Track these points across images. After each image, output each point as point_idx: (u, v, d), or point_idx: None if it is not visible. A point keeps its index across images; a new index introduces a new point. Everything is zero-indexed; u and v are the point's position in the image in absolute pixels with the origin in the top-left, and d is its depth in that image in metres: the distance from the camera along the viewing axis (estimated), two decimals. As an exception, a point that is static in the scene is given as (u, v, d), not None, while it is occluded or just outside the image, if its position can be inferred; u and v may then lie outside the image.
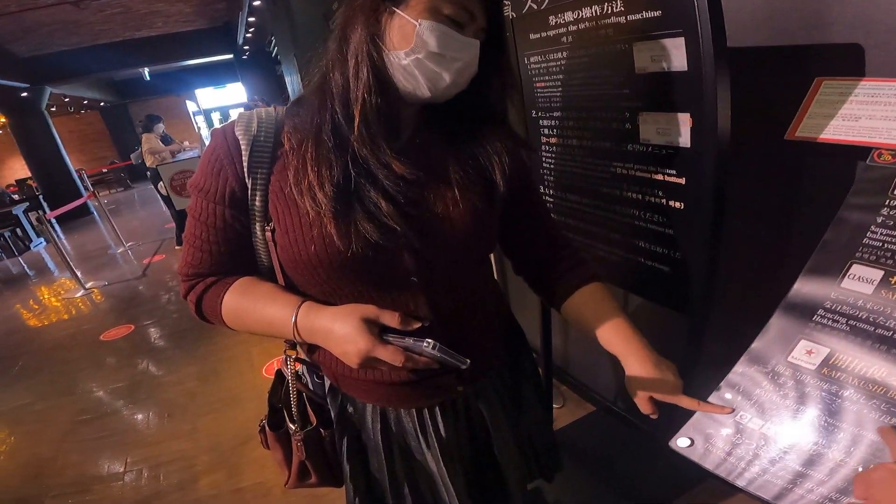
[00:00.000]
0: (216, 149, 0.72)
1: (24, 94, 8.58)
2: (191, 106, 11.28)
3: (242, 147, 0.70)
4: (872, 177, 0.80)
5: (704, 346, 1.09)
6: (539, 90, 1.34)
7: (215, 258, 0.76)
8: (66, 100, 11.66)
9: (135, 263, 5.61)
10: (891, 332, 0.68)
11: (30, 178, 9.99)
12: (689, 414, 0.77)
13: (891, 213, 0.76)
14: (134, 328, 3.79)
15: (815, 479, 0.63)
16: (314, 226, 0.68)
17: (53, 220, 7.28)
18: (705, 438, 0.74)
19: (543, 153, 1.40)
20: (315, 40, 0.78)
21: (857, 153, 0.84)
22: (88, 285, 4.91)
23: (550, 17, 1.22)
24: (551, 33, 1.23)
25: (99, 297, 4.65)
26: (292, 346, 0.83)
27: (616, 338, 0.80)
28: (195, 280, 0.78)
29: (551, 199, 1.43)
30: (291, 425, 0.85)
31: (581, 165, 1.28)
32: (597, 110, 1.17)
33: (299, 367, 0.87)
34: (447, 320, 0.77)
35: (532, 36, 1.30)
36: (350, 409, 0.85)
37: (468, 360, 0.66)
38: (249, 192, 0.71)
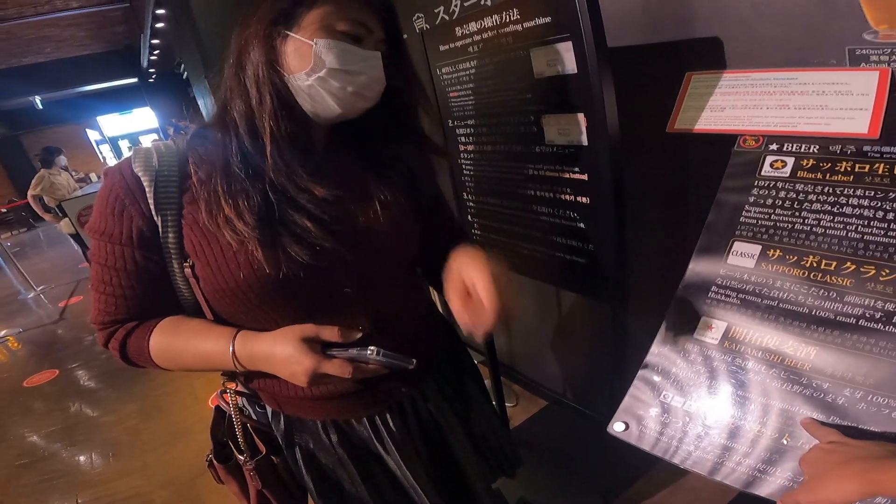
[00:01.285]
0: (113, 188, 0.67)
1: None
2: (93, 134, 10.34)
3: (145, 184, 0.66)
4: (741, 161, 0.90)
5: (631, 332, 1.15)
6: (452, 99, 1.37)
7: (131, 302, 0.71)
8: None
9: (50, 307, 5.12)
10: (776, 302, 0.76)
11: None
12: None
13: (760, 192, 0.85)
14: (59, 372, 3.51)
15: (740, 452, 0.69)
16: (239, 253, 0.66)
17: (-52, 269, 6.48)
18: (637, 421, 0.79)
19: (462, 160, 1.43)
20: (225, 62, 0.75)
21: (728, 140, 0.93)
22: (1, 334, 4.45)
23: (457, 29, 1.25)
24: (459, 44, 1.26)
25: (15, 345, 4.25)
26: (231, 377, 0.80)
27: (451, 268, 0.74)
28: (113, 327, 0.73)
29: (473, 204, 1.47)
30: (240, 456, 0.83)
31: (497, 169, 1.32)
32: (505, 115, 1.21)
33: (239, 399, 0.84)
34: (384, 326, 0.77)
35: (442, 47, 1.32)
36: (298, 431, 0.83)
37: (414, 360, 0.66)
38: (160, 230, 0.67)
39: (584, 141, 1.03)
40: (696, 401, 0.77)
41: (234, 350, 0.68)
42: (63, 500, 2.20)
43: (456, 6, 1.61)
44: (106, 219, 0.67)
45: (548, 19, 1.00)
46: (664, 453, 0.75)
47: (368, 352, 0.65)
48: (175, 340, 0.71)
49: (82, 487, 2.26)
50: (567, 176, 1.11)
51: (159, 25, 6.07)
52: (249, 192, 0.66)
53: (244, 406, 0.85)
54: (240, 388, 0.83)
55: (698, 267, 0.87)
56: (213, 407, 0.87)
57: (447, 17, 1.66)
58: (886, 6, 0.84)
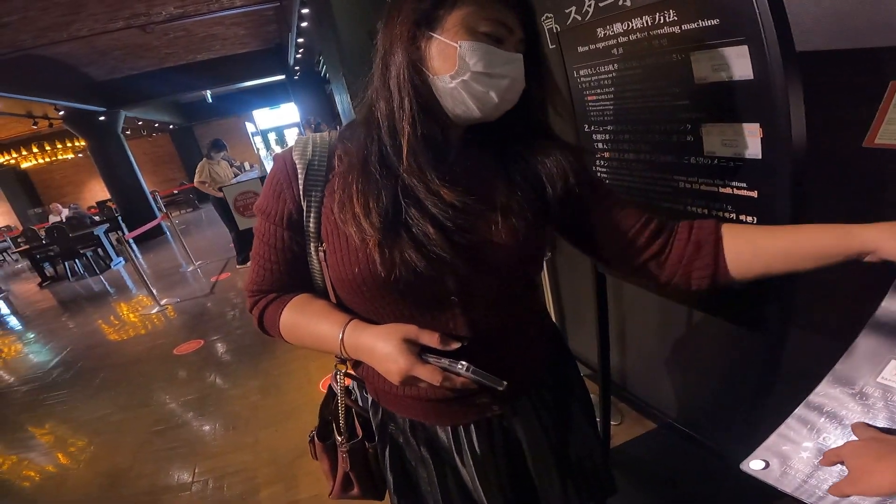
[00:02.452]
0: (277, 173, 0.77)
1: (102, 118, 9.17)
2: (249, 127, 11.83)
3: (299, 170, 0.75)
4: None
5: (784, 372, 0.99)
6: (591, 103, 1.29)
7: (276, 276, 0.81)
8: (140, 123, 12.52)
9: (203, 281, 5.92)
10: None
11: (109, 199, 10.78)
12: (763, 435, 0.71)
13: None
14: (203, 343, 4.00)
15: None
16: (359, 249, 0.70)
17: (131, 241, 7.83)
18: (782, 461, 0.69)
19: (598, 167, 1.35)
20: (362, 60, 0.78)
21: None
22: (163, 302, 5.20)
23: (598, 30, 1.18)
24: (600, 45, 1.19)
25: (172, 314, 4.93)
26: (342, 361, 0.85)
27: (818, 232, 0.69)
28: (258, 296, 0.83)
29: None
30: (338, 437, 0.88)
31: (640, 180, 1.22)
32: (654, 122, 1.11)
33: (350, 382, 0.90)
34: (486, 340, 0.77)
35: (580, 48, 1.26)
36: (391, 424, 0.87)
37: (504, 383, 0.67)
38: (304, 213, 0.75)
39: (757, 154, 0.90)
40: None
41: (342, 338, 0.74)
42: (182, 469, 2.46)
43: (590, 6, 1.51)
44: (268, 199, 0.78)
45: (715, 21, 0.89)
46: (808, 497, 0.64)
47: (460, 366, 0.67)
48: (299, 318, 0.79)
49: (201, 458, 2.53)
50: (729, 191, 0.99)
51: (304, 24, 6.69)
52: (381, 192, 0.70)
53: (353, 389, 0.91)
54: (350, 370, 0.88)
55: (894, 306, 0.71)
56: (327, 387, 0.93)
57: (579, 18, 1.56)
58: None
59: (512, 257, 0.75)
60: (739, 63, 0.86)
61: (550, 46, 1.78)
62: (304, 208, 0.75)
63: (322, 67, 9.23)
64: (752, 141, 0.90)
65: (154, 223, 7.54)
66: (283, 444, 2.47)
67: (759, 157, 0.90)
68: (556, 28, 1.70)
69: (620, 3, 1.41)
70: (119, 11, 5.60)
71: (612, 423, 2.00)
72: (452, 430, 0.83)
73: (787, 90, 0.81)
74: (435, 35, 0.68)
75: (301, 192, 0.75)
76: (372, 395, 0.88)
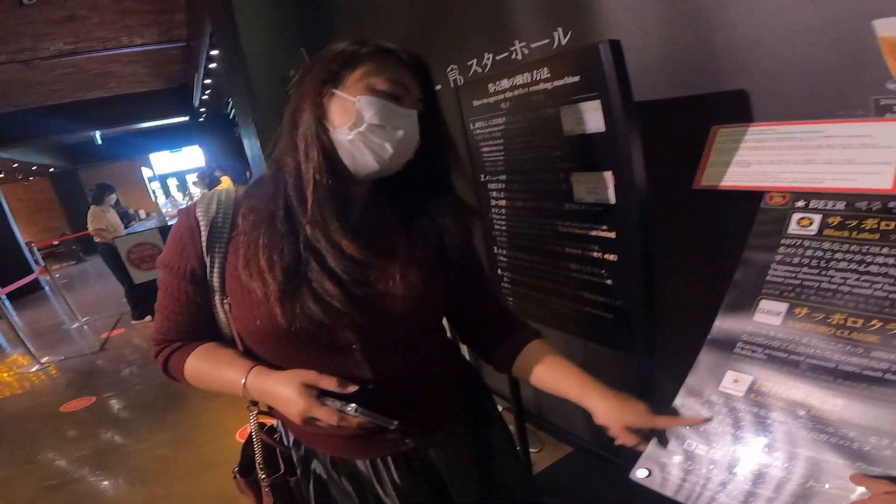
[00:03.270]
0: (180, 228, 0.82)
1: (-30, 161, 8.38)
2: (146, 172, 11.19)
3: (202, 227, 0.80)
4: (767, 218, 0.94)
5: (658, 384, 1.18)
6: (485, 154, 1.46)
7: (180, 327, 0.85)
8: (16, 165, 11.44)
9: (92, 338, 5.47)
10: (802, 357, 0.79)
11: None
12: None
13: (787, 250, 0.89)
14: (96, 400, 3.74)
15: (764, 497, 0.71)
16: (262, 303, 0.76)
17: (4, 297, 7.03)
18: (661, 468, 0.82)
19: (494, 215, 1.51)
20: (273, 105, 0.88)
21: (755, 196, 0.98)
22: (44, 360, 4.77)
23: (489, 85, 1.35)
24: (491, 100, 1.36)
25: (55, 372, 4.56)
26: (254, 402, 0.89)
27: (572, 383, 0.88)
28: (163, 345, 0.87)
29: (504, 259, 1.54)
30: (260, 473, 0.92)
31: (527, 225, 1.39)
32: (536, 172, 1.29)
33: (274, 421, 0.95)
34: (392, 383, 0.83)
35: (475, 102, 1.43)
36: (313, 460, 0.91)
37: (395, 422, 0.75)
38: (208, 269, 0.81)
39: (612, 199, 1.09)
40: (720, 448, 0.79)
41: (245, 383, 0.79)
42: (85, 523, 2.31)
43: (488, 60, 1.74)
44: (171, 254, 0.82)
45: (577, 78, 1.09)
46: (687, 499, 0.77)
47: (349, 408, 0.74)
48: (205, 366, 0.84)
49: None
50: (595, 234, 1.17)
51: (212, 66, 6.65)
52: (284, 247, 0.76)
53: (278, 426, 0.95)
54: (264, 409, 0.92)
55: (725, 324, 0.90)
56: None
57: (480, 70, 1.79)
58: None
59: (409, 310, 0.81)
60: (595, 117, 1.06)
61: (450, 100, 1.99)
62: (208, 264, 0.80)
63: (231, 110, 9.09)
64: (608, 187, 1.09)
65: (30, 278, 6.85)
66: (203, 493, 2.40)
67: (614, 202, 1.09)
68: (459, 79, 1.92)
69: (513, 57, 1.66)
70: (3, 45, 5.27)
71: (532, 450, 2.14)
72: (371, 463, 0.88)
73: (630, 141, 1.01)
74: (337, 91, 0.76)
75: (204, 249, 0.79)
76: (292, 432, 0.92)
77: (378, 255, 0.81)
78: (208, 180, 6.39)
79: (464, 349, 1.16)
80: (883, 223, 0.81)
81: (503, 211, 1.47)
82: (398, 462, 0.88)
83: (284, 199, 0.78)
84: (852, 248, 0.82)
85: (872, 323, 0.75)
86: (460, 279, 0.92)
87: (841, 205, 0.87)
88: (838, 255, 0.83)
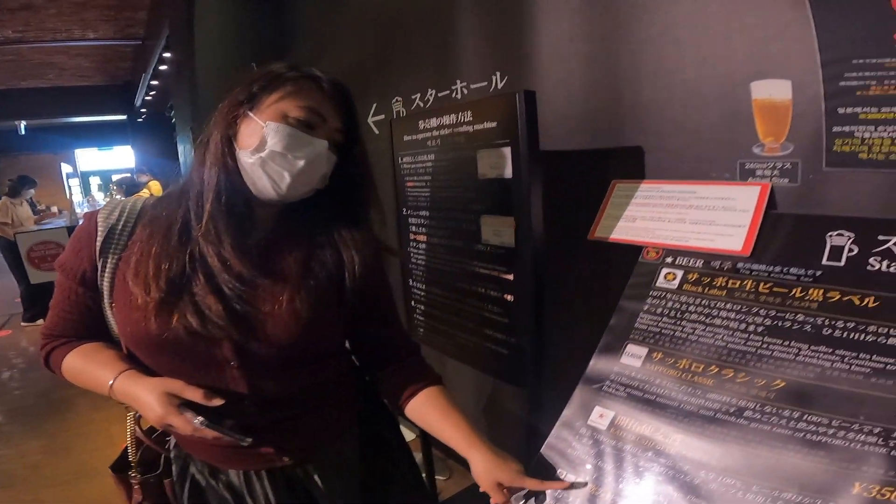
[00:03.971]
0: (81, 231, 0.84)
1: None
2: (66, 168, 10.58)
3: (99, 232, 0.82)
4: (642, 271, 1.06)
5: (544, 415, 1.25)
6: (409, 189, 1.54)
7: (68, 325, 0.87)
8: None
9: (-26, 338, 5.01)
10: (653, 397, 0.89)
11: None
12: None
13: (653, 301, 1.00)
14: None
15: None
16: (139, 310, 0.77)
17: None
18: (535, 497, 0.87)
19: (411, 249, 1.58)
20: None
21: (637, 250, 1.09)
22: None
23: (420, 122, 1.44)
24: (420, 136, 1.45)
25: (-75, 372, 4.09)
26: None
27: (458, 436, 0.88)
28: (49, 339, 0.89)
29: (417, 292, 1.60)
30: (132, 471, 0.92)
31: (441, 262, 1.47)
32: (452, 211, 1.38)
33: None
34: (271, 402, 0.84)
35: (406, 138, 1.52)
36: (192, 465, 0.91)
37: (249, 439, 0.76)
38: (99, 272, 0.82)
39: (512, 243, 1.19)
40: (582, 476, 0.87)
41: (112, 384, 0.80)
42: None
43: (431, 96, 1.86)
44: (69, 254, 0.84)
45: (493, 124, 1.20)
46: None
47: (196, 421, 0.75)
48: (82, 363, 0.85)
49: None
50: (496, 274, 1.26)
51: (162, 67, 6.54)
52: (173, 258, 0.78)
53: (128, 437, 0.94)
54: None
55: (598, 363, 1.00)
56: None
57: (422, 105, 1.90)
58: (775, 118, 1.02)
59: (291, 335, 0.81)
60: (503, 163, 1.16)
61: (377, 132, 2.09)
62: (100, 267, 0.82)
63: (172, 114, 8.89)
64: (509, 232, 1.19)
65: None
66: (73, 501, 2.28)
67: (514, 245, 1.19)
68: (402, 111, 2.03)
69: (453, 95, 1.78)
70: None
71: (440, 477, 2.18)
72: (245, 475, 0.87)
73: (531, 188, 1.11)
74: (250, 114, 0.78)
75: (98, 252, 0.81)
76: (174, 436, 0.91)
77: (268, 277, 0.82)
78: (125, 189, 6.13)
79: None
80: (730, 281, 0.94)
81: (421, 246, 1.54)
82: (274, 478, 0.88)
83: (184, 212, 0.80)
84: (703, 301, 0.94)
85: (711, 368, 0.86)
86: (361, 309, 0.92)
87: (699, 263, 1.00)
88: (691, 308, 0.95)
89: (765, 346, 0.84)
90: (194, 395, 0.76)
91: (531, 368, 1.23)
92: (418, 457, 2.00)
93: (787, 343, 0.83)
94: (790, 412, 0.76)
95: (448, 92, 1.80)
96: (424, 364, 1.01)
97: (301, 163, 0.78)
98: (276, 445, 0.84)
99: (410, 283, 1.62)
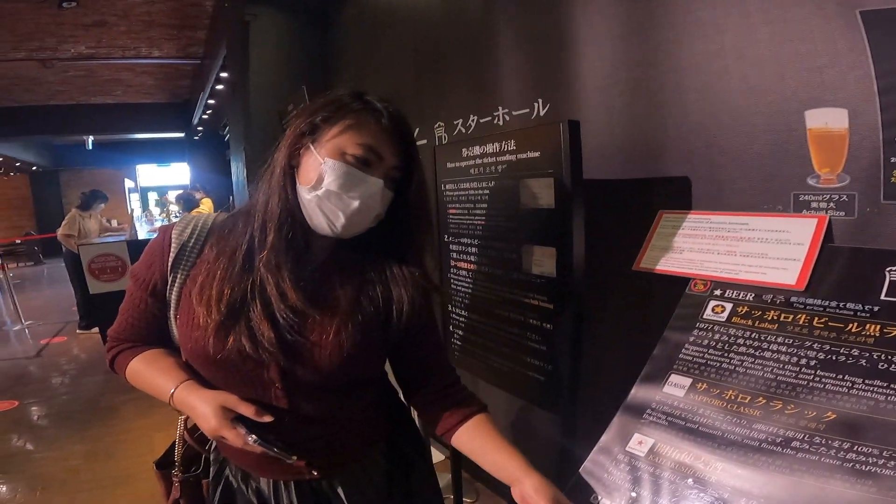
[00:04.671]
0: (155, 244, 0.91)
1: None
2: (128, 183, 11.23)
3: (172, 248, 0.88)
4: (689, 303, 1.06)
5: (579, 441, 1.24)
6: (451, 216, 1.58)
7: (135, 331, 0.94)
8: (0, 160, 11.43)
9: (30, 342, 5.34)
10: (696, 426, 0.89)
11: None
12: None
13: (699, 333, 1.00)
14: (17, 405, 3.66)
15: None
16: (200, 328, 0.82)
17: (-53, 288, 6.88)
18: None
19: (452, 275, 1.61)
20: (265, 136, 0.98)
21: (684, 282, 1.09)
22: (-28, 359, 4.63)
23: (463, 150, 1.49)
24: (463, 164, 1.50)
25: (-19, 373, 4.39)
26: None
27: (513, 463, 0.88)
28: (115, 343, 0.96)
29: (456, 317, 1.63)
30: (177, 468, 0.99)
31: (479, 289, 1.50)
32: (493, 239, 1.41)
33: None
34: (307, 422, 0.88)
35: (449, 164, 1.56)
36: (227, 469, 0.97)
37: (294, 458, 0.81)
38: (168, 286, 0.88)
39: (553, 273, 1.21)
40: (619, 503, 0.86)
41: (173, 393, 0.86)
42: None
43: (473, 122, 1.92)
44: (142, 265, 0.91)
45: (537, 154, 1.22)
46: None
47: (250, 438, 0.80)
48: (145, 369, 0.92)
49: None
50: (536, 303, 1.28)
51: (219, 87, 6.90)
52: (237, 284, 0.83)
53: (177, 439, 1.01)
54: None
55: (639, 392, 1.00)
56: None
57: (464, 130, 1.96)
58: (830, 148, 1.00)
59: (334, 364, 0.85)
60: (546, 193, 1.19)
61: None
62: (170, 281, 0.88)
63: (226, 133, 9.35)
64: (550, 262, 1.20)
65: (-19, 273, 6.74)
66: None
67: (554, 275, 1.20)
68: (444, 137, 2.09)
69: (495, 122, 1.83)
70: (27, 42, 5.44)
71: (467, 500, 2.20)
72: (274, 484, 0.92)
73: (574, 219, 1.12)
74: (312, 147, 0.81)
75: (169, 267, 0.87)
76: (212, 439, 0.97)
77: (319, 308, 0.86)
78: (183, 203, 6.48)
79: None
80: (783, 315, 0.93)
81: (461, 272, 1.57)
82: (301, 490, 0.92)
83: (248, 238, 0.85)
84: (753, 335, 0.94)
85: (759, 400, 0.85)
86: (407, 343, 0.95)
87: (750, 296, 0.99)
88: (740, 341, 0.94)
89: (817, 379, 0.83)
90: (247, 410, 0.81)
91: (567, 395, 1.23)
92: (447, 478, 2.05)
93: (840, 377, 0.81)
94: (840, 443, 0.74)
95: (490, 118, 1.85)
96: (468, 392, 1.01)
97: (356, 203, 0.81)
98: (308, 460, 0.87)
99: (449, 308, 1.65)
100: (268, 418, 0.81)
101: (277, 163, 0.84)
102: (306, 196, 0.82)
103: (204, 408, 0.81)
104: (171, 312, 0.89)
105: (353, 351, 0.85)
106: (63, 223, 5.43)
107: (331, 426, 0.91)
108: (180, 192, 7.92)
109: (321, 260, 0.90)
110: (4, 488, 2.60)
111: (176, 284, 0.88)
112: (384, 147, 0.82)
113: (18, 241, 13.03)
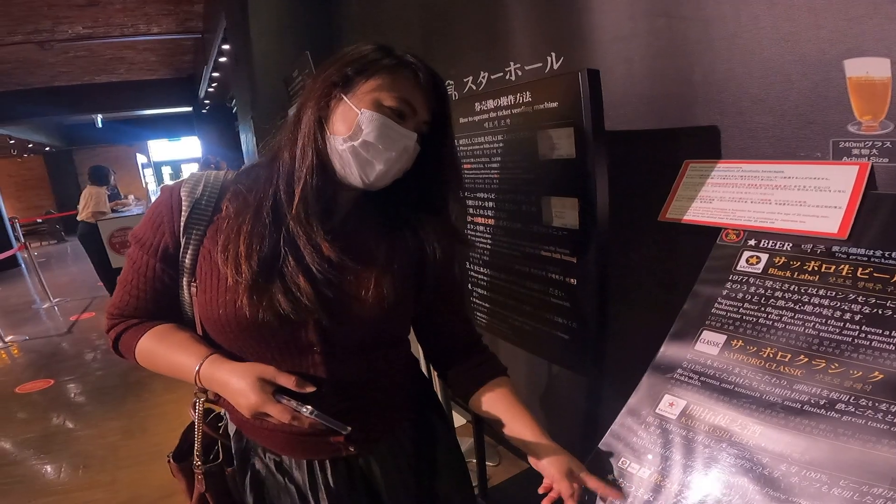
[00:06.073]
0: (160, 205, 0.83)
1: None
2: (140, 158, 11.28)
3: (184, 208, 0.81)
4: (721, 255, 0.99)
5: (605, 402, 1.22)
6: (466, 171, 1.52)
7: (140, 304, 0.85)
8: (12, 142, 11.49)
9: (60, 320, 5.45)
10: (732, 386, 0.84)
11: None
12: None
13: (733, 286, 0.94)
14: (53, 383, 3.73)
15: None
16: (230, 291, 0.77)
17: (-25, 270, 7.01)
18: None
19: (469, 232, 1.56)
20: (272, 105, 0.92)
21: (714, 232, 1.03)
22: (8, 339, 4.74)
23: (476, 104, 1.42)
24: (476, 118, 1.43)
25: (17, 352, 4.54)
26: (203, 390, 0.87)
27: (527, 431, 0.88)
28: (118, 320, 0.87)
29: (474, 274, 1.59)
30: (196, 459, 0.91)
31: (498, 244, 1.45)
32: (510, 192, 1.35)
33: (222, 409, 0.94)
34: (344, 388, 0.84)
35: (462, 120, 1.49)
36: (253, 453, 0.91)
37: (348, 428, 0.74)
38: (181, 249, 0.81)
39: (575, 224, 1.15)
40: (649, 468, 0.83)
41: (199, 370, 0.79)
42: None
43: (483, 78, 1.82)
44: (146, 229, 0.83)
45: (555, 104, 1.15)
46: None
47: (305, 409, 0.73)
48: (159, 346, 0.84)
49: (40, 495, 2.40)
50: (558, 257, 1.22)
51: (222, 60, 6.78)
52: (265, 237, 0.77)
53: (224, 414, 0.95)
54: (212, 399, 0.92)
55: (669, 350, 0.95)
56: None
57: (475, 87, 1.87)
58: (872, 96, 0.94)
59: (376, 318, 0.82)
60: (567, 143, 1.12)
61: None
62: (182, 244, 0.80)
63: (233, 105, 9.24)
64: (572, 213, 1.15)
65: (8, 253, 6.84)
66: (147, 483, 2.40)
67: (578, 227, 1.14)
68: (455, 95, 2.00)
69: (507, 77, 1.74)
70: (22, 25, 5.40)
71: (490, 464, 2.21)
72: (308, 465, 0.88)
73: (597, 169, 1.06)
74: (345, 98, 0.78)
75: (182, 229, 0.80)
76: (235, 423, 0.93)
77: (355, 261, 0.82)
78: (214, 167, 6.46)
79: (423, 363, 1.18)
80: (824, 266, 0.87)
81: (478, 228, 1.52)
82: (336, 467, 0.89)
83: (274, 190, 0.80)
84: (791, 287, 0.87)
85: (800, 358, 0.80)
86: (434, 299, 0.93)
87: (788, 245, 0.93)
88: (778, 294, 0.88)
89: (862, 335, 0.77)
90: (288, 381, 0.75)
91: (592, 355, 1.19)
92: (469, 442, 2.05)
93: (887, 333, 0.75)
94: (887, 405, 0.69)
95: (501, 74, 1.76)
96: (489, 353, 1.00)
97: (392, 153, 0.78)
98: (348, 435, 0.83)
99: (468, 265, 1.61)
100: (311, 388, 0.76)
101: (306, 113, 0.80)
102: (340, 146, 0.78)
103: (240, 382, 0.74)
104: (185, 280, 0.83)
105: (392, 303, 0.83)
106: (89, 200, 5.42)
107: (364, 395, 0.88)
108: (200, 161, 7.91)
109: (343, 213, 0.86)
110: (49, 468, 2.66)
111: (191, 246, 0.81)
112: (418, 100, 0.80)
113: (40, 220, 13.24)
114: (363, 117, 0.77)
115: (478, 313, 1.59)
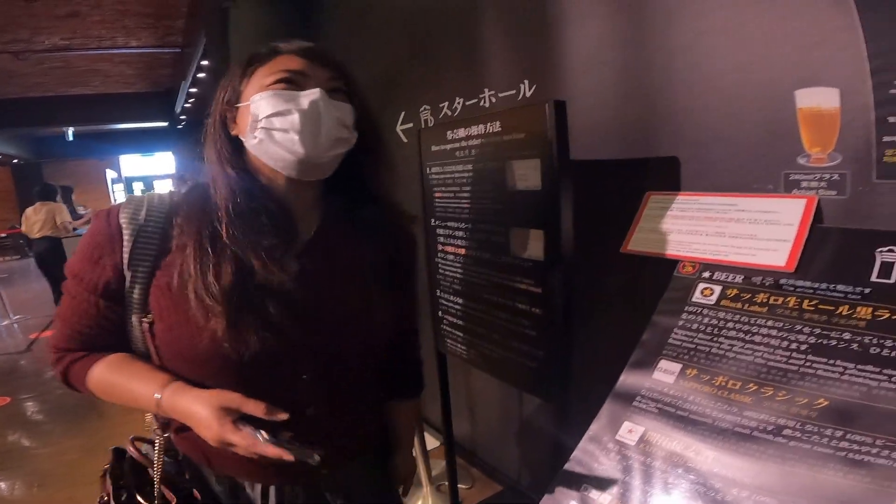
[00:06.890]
0: (97, 234, 0.74)
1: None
2: (111, 174, 11.01)
3: (125, 237, 0.73)
4: (678, 286, 1.03)
5: (570, 429, 1.23)
6: (437, 200, 1.53)
7: (85, 338, 0.78)
8: (-22, 153, 11.14)
9: (20, 337, 5.29)
10: (686, 413, 0.87)
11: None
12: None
13: (688, 317, 0.98)
14: (10, 401, 3.63)
15: None
16: (204, 328, 0.70)
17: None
18: None
19: (439, 260, 1.57)
20: None
21: (673, 263, 1.07)
22: (-39, 357, 4.54)
23: (448, 132, 1.44)
24: (448, 147, 1.45)
25: (-29, 370, 4.33)
26: (165, 426, 0.82)
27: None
28: (63, 353, 0.80)
29: (444, 302, 1.59)
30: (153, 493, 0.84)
31: (468, 273, 1.46)
32: (480, 222, 1.37)
33: (143, 446, 0.89)
34: (330, 412, 0.82)
35: (434, 148, 1.51)
36: (210, 484, 0.86)
37: (317, 457, 0.68)
38: (128, 283, 0.74)
39: (541, 256, 1.17)
40: (609, 494, 0.85)
41: (161, 399, 0.73)
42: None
43: (459, 104, 1.86)
44: (83, 263, 0.75)
45: (522, 135, 1.18)
46: None
47: (258, 436, 0.68)
48: (115, 377, 0.77)
49: None
50: (524, 287, 1.24)
51: (201, 75, 6.76)
52: (221, 263, 0.71)
53: (149, 454, 0.87)
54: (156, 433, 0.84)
55: (629, 378, 0.98)
56: (113, 449, 0.93)
57: (450, 113, 1.91)
58: (820, 127, 0.98)
59: (360, 326, 0.82)
60: (533, 175, 1.15)
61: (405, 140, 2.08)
62: (129, 278, 0.73)
63: (210, 121, 9.16)
64: (537, 244, 1.17)
65: (-34, 267, 6.60)
66: None
67: (542, 259, 1.17)
68: (430, 120, 2.04)
69: (481, 104, 1.78)
70: None
71: (463, 486, 2.18)
72: (263, 491, 0.83)
73: (560, 201, 1.09)
74: (239, 105, 0.76)
75: (126, 262, 0.72)
76: (199, 457, 0.84)
77: (326, 273, 0.80)
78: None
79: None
80: (772, 298, 0.91)
81: (448, 256, 1.53)
82: (309, 494, 0.86)
83: (214, 215, 0.75)
84: (742, 318, 0.92)
85: (749, 386, 0.83)
86: (397, 299, 0.91)
87: (739, 278, 0.97)
88: (729, 325, 0.92)
89: (808, 364, 0.81)
90: (257, 409, 0.69)
91: (558, 382, 1.21)
92: (441, 465, 2.03)
93: (831, 362, 0.79)
94: (832, 431, 0.73)
95: (476, 100, 1.80)
96: (417, 373, 1.09)
97: (296, 115, 0.73)
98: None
99: (438, 293, 1.62)
100: (282, 415, 0.70)
101: (214, 138, 0.78)
102: (253, 141, 0.75)
103: (202, 411, 0.69)
104: (134, 316, 0.75)
105: (369, 304, 0.83)
106: (47, 218, 5.30)
107: (345, 417, 0.86)
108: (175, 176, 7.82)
109: (314, 225, 0.83)
110: (3, 485, 2.58)
111: (139, 281, 0.73)
112: (306, 68, 0.76)
113: (4, 235, 12.78)
114: (253, 102, 0.74)
115: (449, 340, 1.60)
